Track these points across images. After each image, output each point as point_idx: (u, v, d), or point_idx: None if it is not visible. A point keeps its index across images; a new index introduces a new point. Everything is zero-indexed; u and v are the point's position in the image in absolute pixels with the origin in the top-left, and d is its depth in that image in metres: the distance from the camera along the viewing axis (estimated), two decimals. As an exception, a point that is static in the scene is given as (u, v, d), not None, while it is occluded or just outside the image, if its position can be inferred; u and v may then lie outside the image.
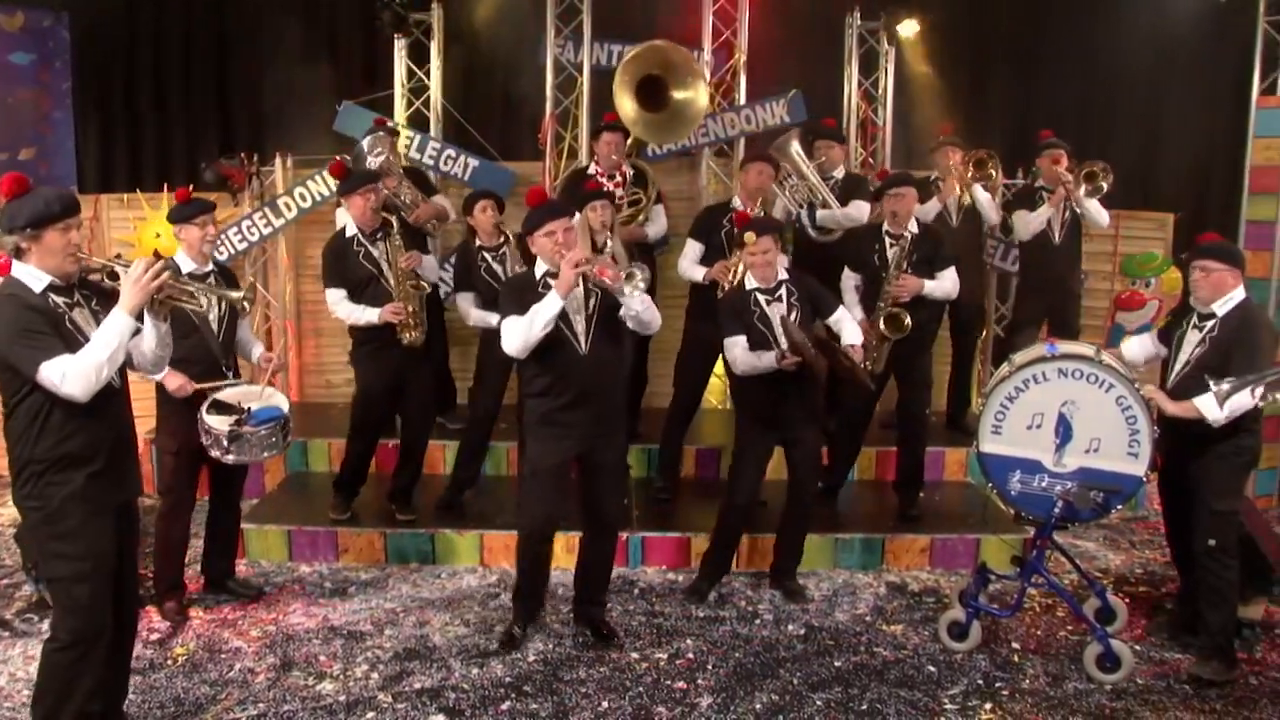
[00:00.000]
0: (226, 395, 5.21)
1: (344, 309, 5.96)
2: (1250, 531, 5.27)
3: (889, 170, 7.39)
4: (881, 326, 6.19)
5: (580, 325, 4.90)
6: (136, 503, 4.11)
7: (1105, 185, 7.08)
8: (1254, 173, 7.87)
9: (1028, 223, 7.32)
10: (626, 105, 7.18)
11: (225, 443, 5.08)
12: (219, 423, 5.08)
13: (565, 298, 4.74)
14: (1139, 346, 5.33)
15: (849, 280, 6.45)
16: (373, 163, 6.72)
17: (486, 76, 8.78)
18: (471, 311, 6.30)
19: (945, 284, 6.35)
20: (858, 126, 8.44)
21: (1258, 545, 5.34)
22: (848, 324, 5.63)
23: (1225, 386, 3.65)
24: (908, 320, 6.18)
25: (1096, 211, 7.19)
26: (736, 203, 6.54)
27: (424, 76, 8.23)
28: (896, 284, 6.21)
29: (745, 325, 5.52)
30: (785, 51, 8.52)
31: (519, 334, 4.79)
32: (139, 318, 3.77)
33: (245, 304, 4.94)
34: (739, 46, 8.06)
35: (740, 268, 6.10)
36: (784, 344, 5.39)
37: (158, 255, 4.18)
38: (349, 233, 5.99)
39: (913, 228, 6.32)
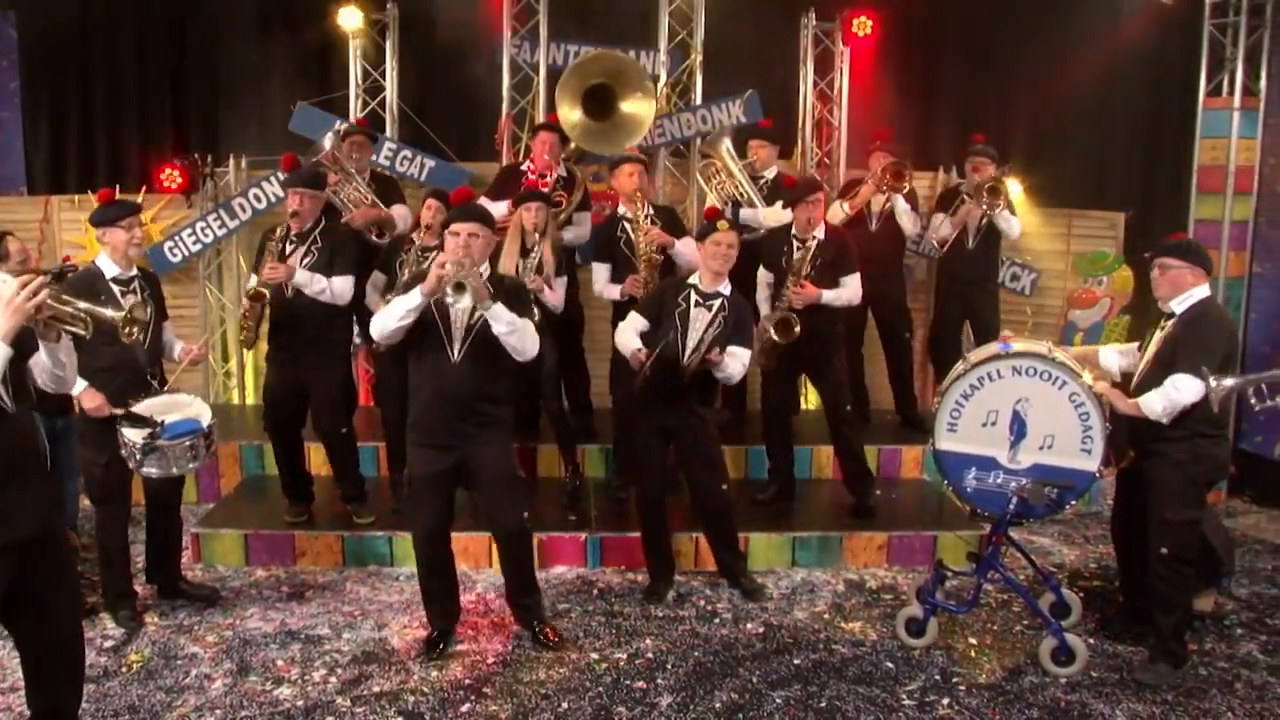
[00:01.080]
0: (143, 407, 5.08)
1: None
2: (1201, 526, 5.33)
3: (794, 177, 7.36)
4: (771, 331, 6.17)
5: (459, 333, 4.85)
6: (49, 535, 3.61)
7: (1002, 203, 7.18)
8: (1201, 172, 8.00)
9: (937, 229, 7.52)
10: (568, 110, 7.17)
11: (139, 455, 4.99)
12: (134, 435, 4.99)
13: (427, 296, 4.67)
14: (1115, 356, 5.34)
15: (763, 277, 6.45)
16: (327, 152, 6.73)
17: (443, 77, 8.72)
18: (374, 298, 6.24)
19: (846, 292, 6.37)
20: (813, 127, 8.47)
21: (1208, 539, 5.41)
22: (734, 362, 5.51)
23: (1226, 383, 3.60)
24: (797, 328, 6.14)
25: (1006, 224, 7.31)
26: (623, 210, 6.53)
27: (379, 77, 8.18)
28: (794, 291, 6.21)
29: (660, 313, 5.55)
30: (741, 52, 8.53)
31: (379, 320, 4.82)
32: (23, 342, 3.42)
33: (129, 327, 4.64)
34: (695, 47, 8.08)
35: (648, 275, 6.29)
36: (688, 347, 5.47)
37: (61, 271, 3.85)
38: (278, 227, 6.02)
39: (819, 232, 6.33)
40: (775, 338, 6.17)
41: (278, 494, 6.48)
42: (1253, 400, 3.46)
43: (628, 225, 6.46)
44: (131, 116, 8.62)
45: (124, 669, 4.93)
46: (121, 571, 5.42)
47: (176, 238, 7.85)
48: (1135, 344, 5.30)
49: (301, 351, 6.01)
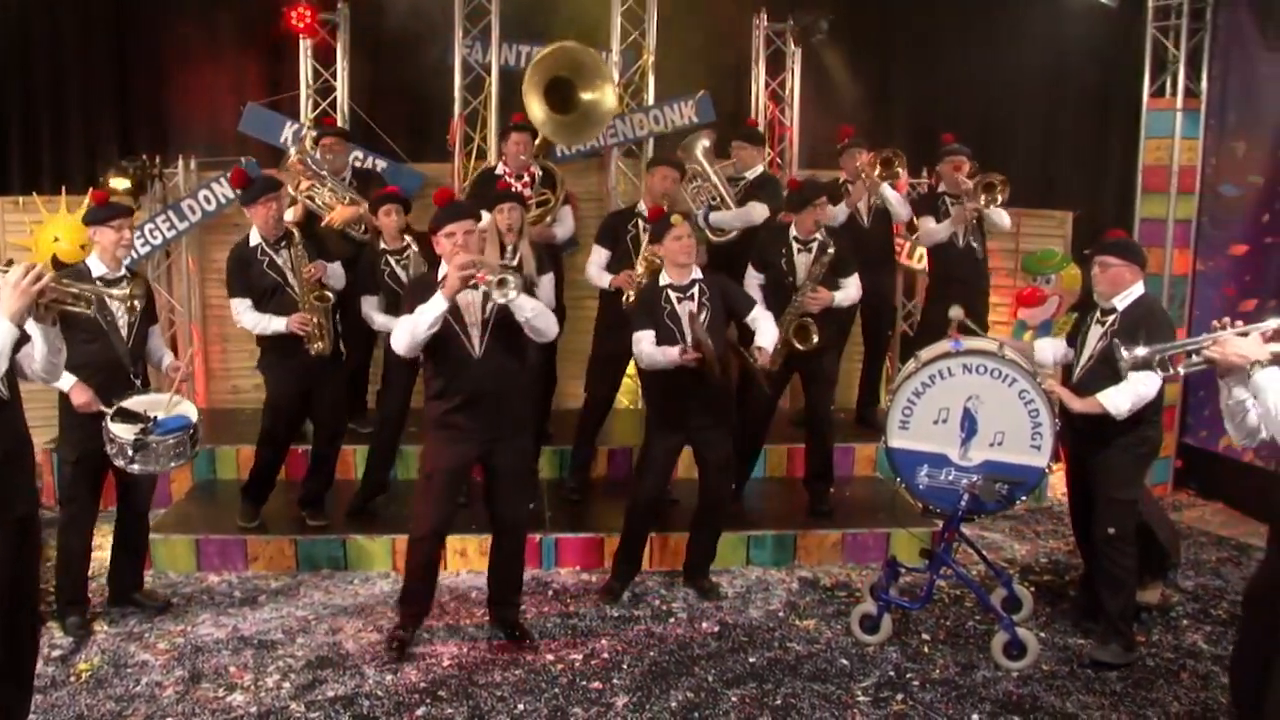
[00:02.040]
0: (132, 403, 5.09)
1: (250, 318, 5.89)
2: (1147, 519, 5.43)
3: (798, 180, 7.42)
4: (791, 337, 6.21)
5: (476, 329, 4.90)
6: (35, 518, 3.97)
7: (1002, 197, 7.22)
8: (1146, 172, 8.12)
9: (930, 234, 7.48)
10: (535, 107, 7.18)
11: (130, 452, 4.97)
12: (124, 432, 4.97)
13: (449, 299, 4.73)
14: (1050, 348, 5.44)
15: (752, 279, 6.44)
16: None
17: (394, 77, 8.68)
18: (376, 316, 6.26)
19: (850, 291, 6.45)
20: (766, 127, 8.52)
21: (1154, 532, 5.51)
22: (764, 322, 5.66)
23: (1135, 353, 3.77)
24: (816, 335, 6.23)
25: (999, 218, 7.35)
26: (642, 207, 6.56)
27: (330, 78, 8.12)
28: (810, 297, 6.25)
29: (655, 321, 5.55)
30: (693, 53, 8.56)
31: (406, 333, 4.82)
32: (21, 325, 3.64)
33: (135, 303, 4.93)
34: (647, 47, 8.10)
35: (645, 274, 6.21)
36: (689, 340, 5.44)
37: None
38: (253, 241, 5.91)
39: (819, 236, 6.37)
40: (797, 344, 6.22)
41: (229, 499, 6.42)
42: (1156, 370, 3.70)
43: (641, 223, 6.46)
44: (77, 117, 8.48)
45: (73, 678, 4.87)
46: (78, 577, 5.36)
47: (124, 239, 7.74)
48: (1061, 338, 5.39)
49: (305, 355, 5.92)
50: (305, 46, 8.05)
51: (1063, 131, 9.02)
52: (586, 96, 7.36)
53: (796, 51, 8.46)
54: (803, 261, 6.31)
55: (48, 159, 8.46)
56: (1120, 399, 4.86)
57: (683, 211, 5.86)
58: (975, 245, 7.50)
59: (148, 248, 7.73)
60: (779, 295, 6.31)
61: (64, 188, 7.66)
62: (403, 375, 6.29)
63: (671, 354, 5.41)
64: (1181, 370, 3.71)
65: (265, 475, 6.24)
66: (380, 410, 6.58)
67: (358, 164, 7.66)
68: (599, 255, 6.61)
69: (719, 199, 7.19)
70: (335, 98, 8.12)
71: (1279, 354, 3.42)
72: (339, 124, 8.02)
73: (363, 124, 8.16)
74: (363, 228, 6.81)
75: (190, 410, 5.25)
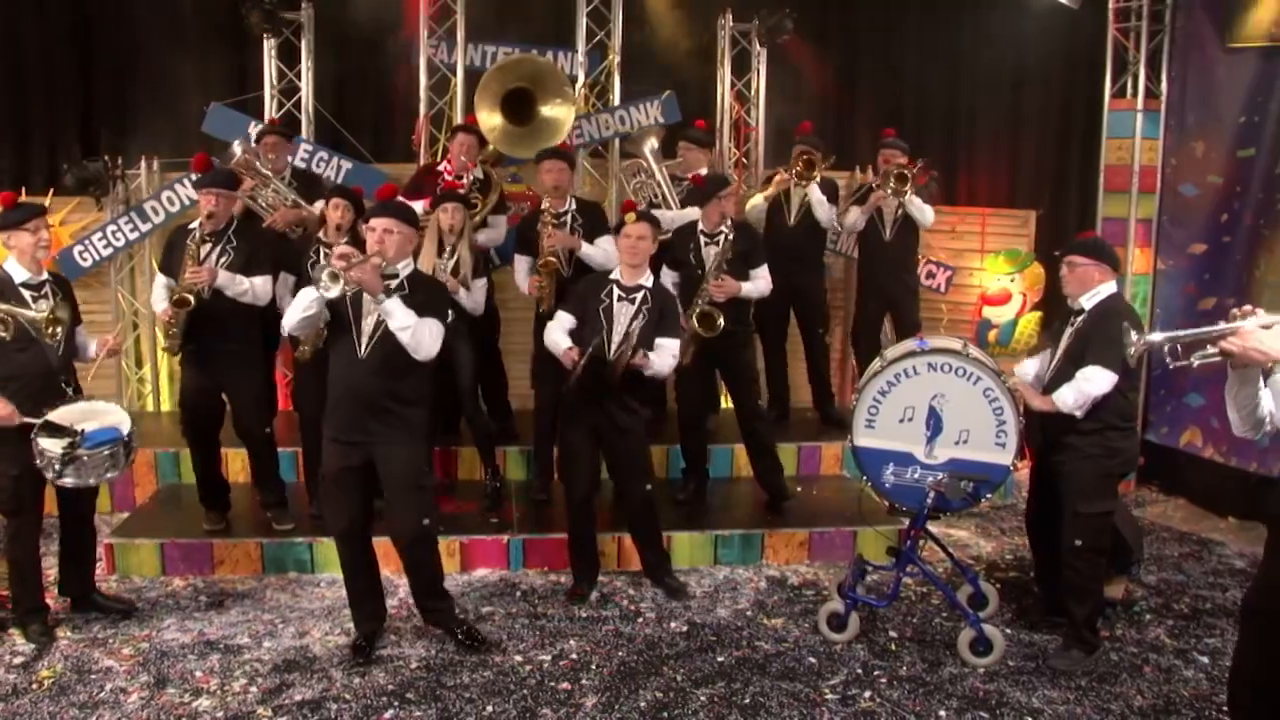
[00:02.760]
0: (60, 415, 4.97)
1: (157, 294, 5.95)
2: (1112, 516, 5.48)
3: (702, 175, 7.41)
4: (695, 324, 6.21)
5: (367, 328, 4.84)
6: None
7: (910, 188, 7.28)
8: (1108, 171, 8.21)
9: (848, 223, 7.64)
10: (487, 114, 7.15)
11: (58, 466, 4.89)
12: (52, 446, 4.88)
13: (315, 285, 4.65)
14: (1033, 366, 5.41)
15: (666, 278, 6.41)
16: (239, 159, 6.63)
17: (359, 78, 8.64)
18: (287, 297, 6.07)
19: (759, 283, 6.48)
20: (731, 127, 8.54)
21: (1118, 529, 5.55)
22: (662, 355, 5.57)
23: (1148, 338, 3.61)
24: (720, 321, 6.24)
25: (917, 210, 7.44)
26: (546, 203, 6.54)
27: (295, 78, 8.07)
28: (714, 284, 6.27)
29: (583, 311, 5.58)
30: (659, 53, 8.58)
31: (288, 313, 4.84)
32: None
33: (53, 328, 4.88)
34: (613, 48, 8.10)
35: (548, 282, 6.35)
36: (613, 342, 5.50)
37: None
38: (192, 225, 5.88)
39: (726, 227, 6.39)
40: (701, 331, 6.22)
41: (194, 502, 6.36)
42: (1168, 360, 3.52)
43: (549, 218, 6.47)
44: (37, 116, 8.40)
45: (35, 686, 4.81)
46: (33, 585, 5.27)
47: (86, 241, 7.68)
48: (1046, 351, 5.41)
49: (219, 354, 5.90)
50: (269, 46, 8.00)
51: (1026, 131, 9.10)
52: (545, 111, 7.33)
53: (761, 52, 8.48)
54: (710, 254, 6.36)
55: (7, 160, 8.37)
56: (1065, 393, 4.89)
57: (647, 213, 5.85)
58: (904, 241, 7.58)
59: (110, 249, 7.67)
60: (691, 290, 6.34)
61: (23, 189, 7.57)
62: (312, 378, 6.17)
63: (560, 350, 5.50)
64: (1196, 361, 3.42)
65: (202, 477, 6.21)
66: (300, 416, 6.50)
67: (305, 161, 7.65)
68: (522, 264, 6.66)
69: (661, 198, 7.21)
70: (300, 98, 8.07)
71: None
72: (304, 125, 7.99)
73: (328, 124, 8.12)
74: (302, 230, 6.74)
75: (122, 421, 5.14)
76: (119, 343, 5.60)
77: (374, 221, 4.86)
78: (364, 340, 4.83)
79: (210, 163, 6.27)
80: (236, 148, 6.68)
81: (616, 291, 5.58)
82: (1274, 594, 3.52)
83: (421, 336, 4.77)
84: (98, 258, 7.69)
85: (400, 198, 6.25)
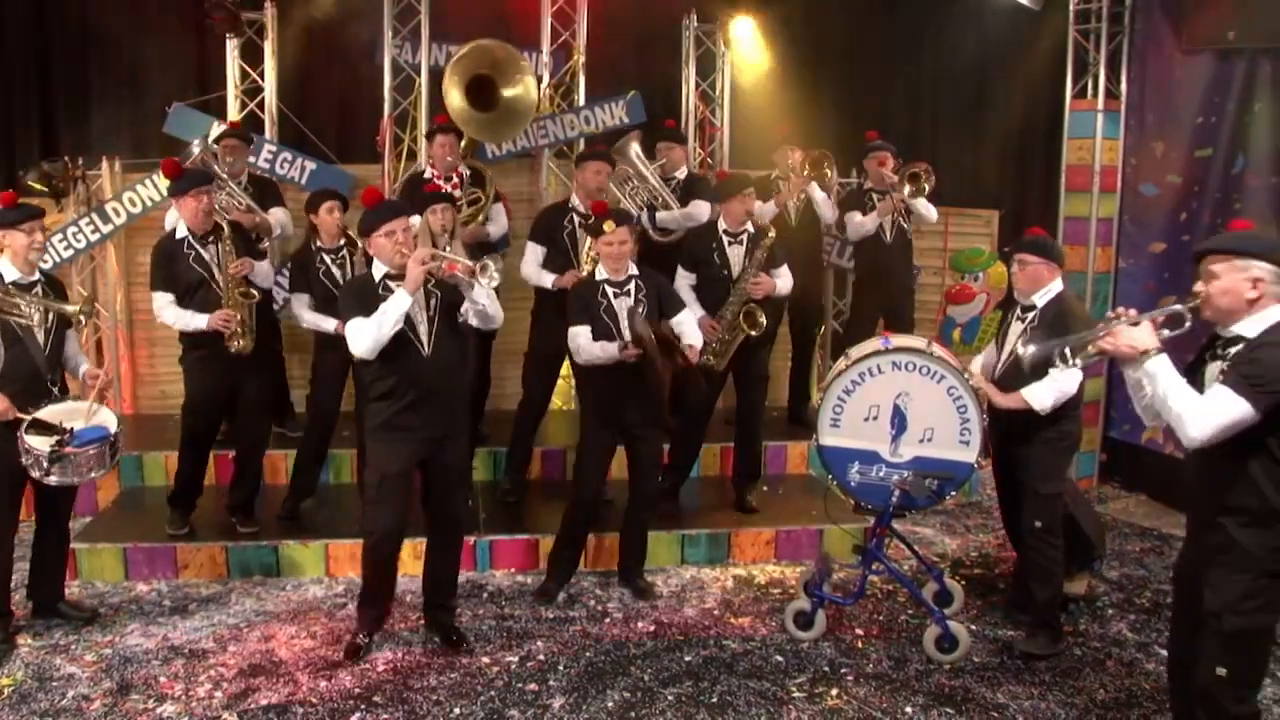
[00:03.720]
0: (48, 414, 4.96)
1: (171, 314, 5.77)
2: (1073, 512, 5.54)
3: (726, 171, 7.52)
4: (742, 323, 6.26)
5: (423, 326, 4.88)
6: None
7: (928, 186, 7.33)
8: (1069, 171, 8.29)
9: (858, 227, 7.55)
10: (457, 105, 7.15)
11: (46, 464, 4.86)
12: (39, 443, 4.85)
13: (414, 294, 4.71)
14: (987, 358, 5.51)
15: (683, 280, 6.45)
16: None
17: (323, 77, 8.60)
18: (305, 314, 6.18)
19: (786, 281, 6.51)
20: (696, 127, 8.56)
21: (1080, 525, 5.62)
22: (689, 325, 5.71)
23: (1031, 349, 3.94)
24: (763, 318, 6.30)
25: (925, 209, 7.47)
26: (575, 202, 6.56)
27: (258, 78, 8.02)
28: (753, 283, 6.30)
29: (592, 316, 5.56)
30: (624, 53, 8.59)
31: (369, 335, 4.73)
32: None
33: (81, 317, 4.82)
34: (577, 48, 8.10)
35: (590, 262, 6.17)
36: (628, 336, 5.44)
37: None
38: (179, 234, 5.80)
39: (749, 227, 6.43)
40: (747, 329, 6.27)
41: (158, 506, 6.31)
42: (1057, 363, 3.85)
43: (576, 218, 6.46)
44: (-4, 116, 8.31)
45: (-4, 692, 4.76)
46: (2, 591, 5.21)
47: (48, 243, 7.56)
48: (991, 345, 5.49)
49: (230, 355, 5.82)
50: (232, 46, 7.94)
51: (989, 131, 9.17)
52: (508, 93, 7.34)
53: (726, 52, 8.51)
54: (735, 254, 6.36)
55: (-35, 161, 8.28)
56: (1043, 394, 4.96)
57: (619, 211, 5.86)
58: (902, 242, 7.61)
59: (71, 251, 7.58)
60: (714, 291, 6.35)
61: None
62: (335, 379, 6.25)
63: (611, 349, 5.43)
64: (1079, 362, 3.86)
65: (189, 480, 6.14)
66: (311, 411, 6.49)
67: (269, 161, 7.62)
68: (534, 253, 6.59)
69: (660, 199, 7.21)
70: (263, 98, 8.01)
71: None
72: (267, 125, 7.95)
73: (291, 124, 8.07)
74: (256, 236, 6.72)
75: (110, 420, 5.13)
76: (108, 378, 5.51)
77: (389, 225, 4.84)
78: (425, 339, 4.88)
79: (181, 167, 6.22)
80: (195, 148, 6.63)
81: (610, 290, 5.59)
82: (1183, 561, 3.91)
83: (498, 305, 4.99)
84: (58, 259, 7.58)
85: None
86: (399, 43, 7.84)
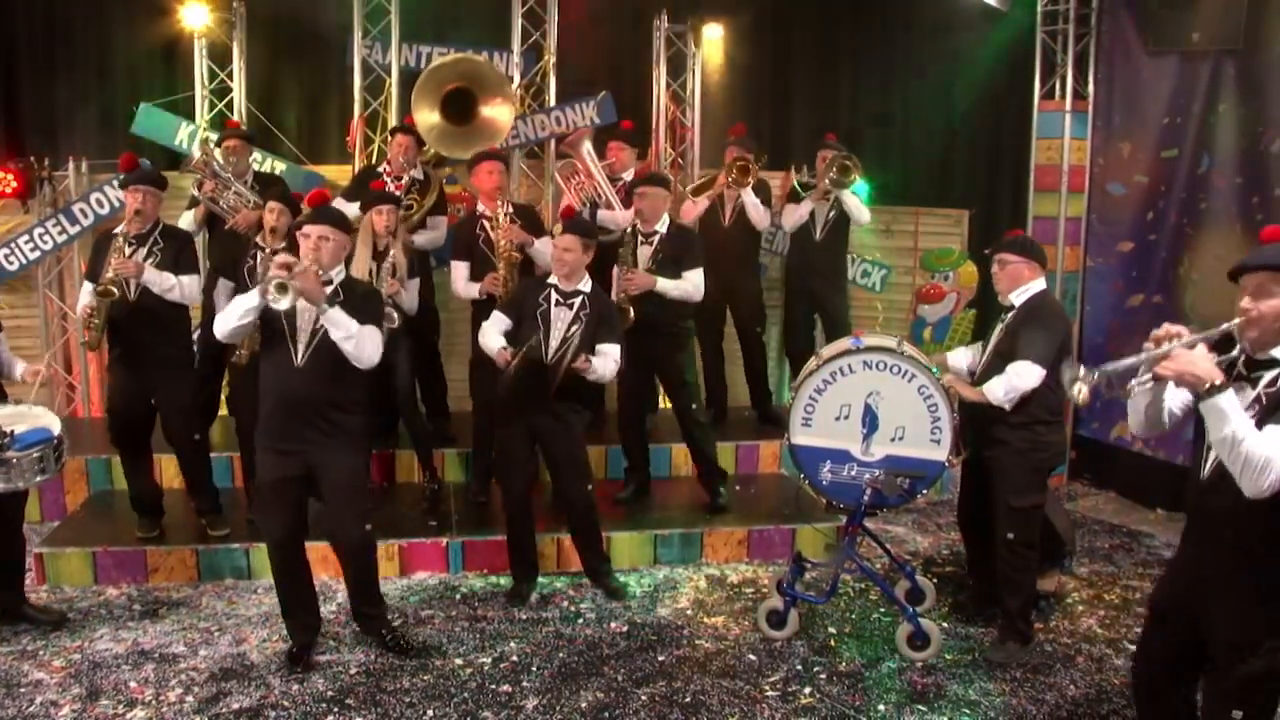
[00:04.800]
0: None
1: (83, 303, 5.80)
2: (1044, 509, 5.57)
3: (645, 170, 7.54)
4: None
5: (304, 336, 4.78)
6: None
7: (856, 177, 7.37)
8: (1038, 171, 8.36)
9: (793, 217, 7.65)
10: (426, 113, 7.11)
11: None
12: None
13: (263, 296, 4.60)
14: (964, 356, 5.53)
15: (616, 275, 6.48)
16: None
17: (292, 78, 8.54)
18: (220, 300, 6.06)
19: (686, 285, 6.41)
20: (667, 127, 8.57)
21: (1051, 522, 5.65)
22: (604, 362, 5.58)
23: (1081, 378, 3.40)
24: (631, 314, 6.26)
25: (856, 209, 7.54)
26: (481, 208, 6.54)
27: (226, 78, 7.97)
28: (625, 278, 6.32)
29: (519, 314, 5.58)
30: (595, 54, 8.58)
31: (220, 319, 4.77)
32: None
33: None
34: (548, 48, 8.09)
35: (508, 274, 6.28)
36: (551, 347, 5.51)
37: None
38: (118, 229, 5.76)
39: (662, 227, 6.44)
40: None
41: (127, 509, 6.26)
42: (1104, 394, 3.53)
43: (487, 224, 6.44)
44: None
45: (-37, 699, 4.72)
46: None
47: (13, 245, 7.52)
48: (979, 343, 5.51)
49: (146, 356, 5.80)
50: (200, 46, 7.89)
51: (958, 132, 9.21)
52: (486, 111, 7.30)
53: (697, 52, 8.52)
54: (643, 254, 6.41)
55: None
56: (995, 385, 4.97)
57: (582, 223, 5.86)
58: (834, 241, 7.67)
59: (38, 253, 7.52)
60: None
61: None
62: (249, 383, 6.11)
63: (494, 350, 5.49)
64: (1135, 388, 3.50)
65: (133, 485, 6.11)
66: (236, 421, 6.42)
67: (256, 166, 7.54)
68: (460, 270, 6.56)
69: (604, 198, 7.22)
70: (232, 98, 7.96)
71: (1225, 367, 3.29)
72: (238, 125, 7.88)
73: (260, 126, 8.02)
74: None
75: (52, 423, 5.05)
76: (45, 374, 5.47)
77: (307, 229, 4.80)
78: (300, 348, 4.77)
79: (137, 162, 6.16)
80: (196, 151, 6.59)
81: (554, 296, 5.58)
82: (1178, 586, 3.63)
83: (364, 345, 4.73)
84: (24, 261, 7.53)
85: (339, 200, 6.23)
86: (369, 43, 7.82)
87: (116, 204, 7.43)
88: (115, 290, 5.66)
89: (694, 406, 6.65)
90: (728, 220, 7.60)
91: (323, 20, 8.15)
